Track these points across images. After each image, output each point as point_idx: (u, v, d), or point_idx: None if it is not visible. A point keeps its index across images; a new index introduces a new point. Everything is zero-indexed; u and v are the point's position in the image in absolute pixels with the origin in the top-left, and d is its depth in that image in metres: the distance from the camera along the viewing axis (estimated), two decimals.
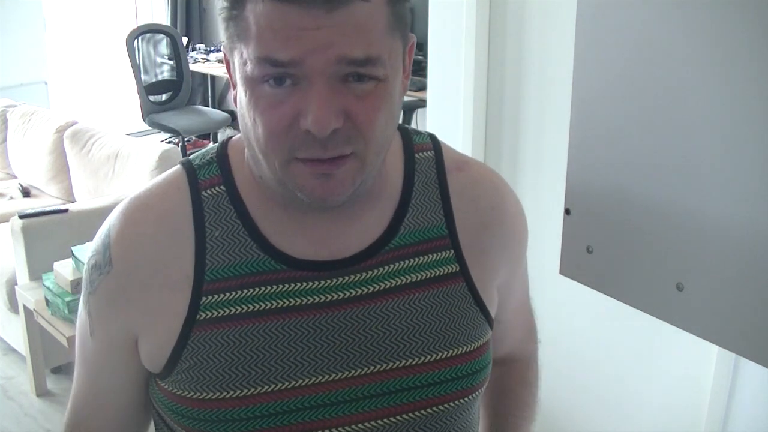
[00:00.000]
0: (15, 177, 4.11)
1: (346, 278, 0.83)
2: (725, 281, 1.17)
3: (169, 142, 5.34)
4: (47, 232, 2.90)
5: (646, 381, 2.20)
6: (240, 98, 0.76)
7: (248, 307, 0.81)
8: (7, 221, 3.05)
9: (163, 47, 5.51)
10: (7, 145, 4.11)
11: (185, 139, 5.39)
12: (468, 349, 0.87)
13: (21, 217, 2.89)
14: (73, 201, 3.63)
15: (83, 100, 6.06)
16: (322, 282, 0.82)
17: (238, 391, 0.80)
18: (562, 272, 1.47)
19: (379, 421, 0.83)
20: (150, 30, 5.50)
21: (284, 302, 0.81)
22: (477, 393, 0.90)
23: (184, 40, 5.75)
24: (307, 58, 0.69)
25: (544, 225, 2.41)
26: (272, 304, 0.81)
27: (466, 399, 0.87)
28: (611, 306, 1.50)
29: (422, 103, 3.63)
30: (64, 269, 2.58)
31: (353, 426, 0.83)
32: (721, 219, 1.15)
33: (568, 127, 1.38)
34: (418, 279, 0.85)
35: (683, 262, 1.23)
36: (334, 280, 0.83)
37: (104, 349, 0.87)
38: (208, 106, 6.16)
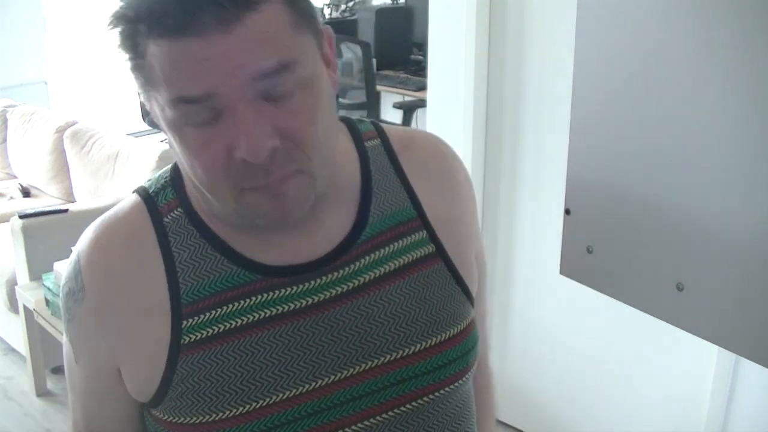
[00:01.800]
0: (15, 177, 4.10)
1: (324, 278, 0.81)
2: (725, 281, 1.17)
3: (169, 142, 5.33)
4: (47, 232, 2.89)
5: (647, 381, 2.20)
6: (171, 143, 0.75)
7: (231, 323, 0.79)
8: (7, 221, 3.05)
9: None
10: (7, 145, 4.11)
11: None
12: (455, 332, 0.86)
13: (21, 217, 2.89)
14: (73, 201, 3.63)
15: (83, 100, 6.06)
16: (300, 286, 0.80)
17: (236, 410, 0.78)
18: (562, 272, 1.47)
19: (379, 417, 0.83)
20: None
21: (266, 312, 0.79)
22: (470, 372, 0.89)
23: None
24: (219, 87, 0.67)
25: (544, 225, 2.41)
26: (254, 316, 0.79)
27: (460, 381, 0.87)
28: (611, 306, 1.50)
29: (422, 103, 3.63)
30: (64, 269, 2.57)
31: (356, 425, 0.82)
32: (722, 219, 1.15)
33: (568, 127, 1.38)
34: (397, 266, 0.84)
35: (683, 262, 1.23)
36: (312, 282, 0.81)
37: (91, 376, 0.85)
38: None
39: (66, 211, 2.96)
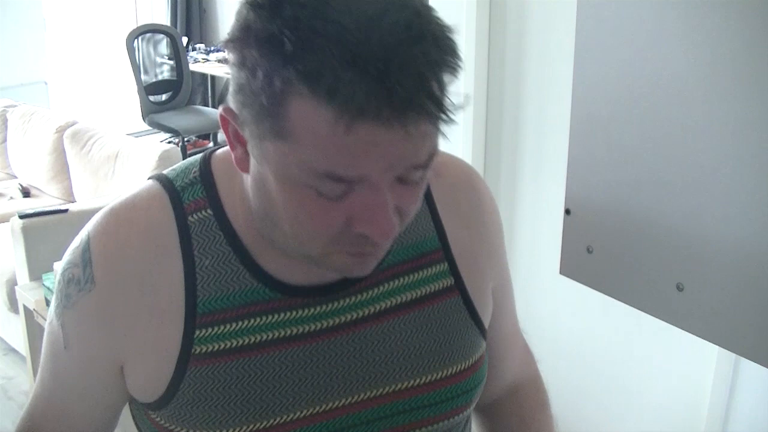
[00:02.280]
0: (15, 177, 4.11)
1: (342, 302, 0.80)
2: (725, 281, 1.17)
3: (169, 142, 5.34)
4: (47, 232, 2.90)
5: (646, 381, 2.20)
6: (265, 181, 0.68)
7: (245, 340, 0.77)
8: (7, 221, 3.05)
9: (163, 47, 5.50)
10: (7, 145, 4.11)
11: (185, 139, 5.39)
12: (464, 366, 0.85)
13: (21, 217, 2.89)
14: (73, 201, 3.63)
15: (83, 100, 6.06)
16: (318, 308, 0.79)
17: (239, 428, 0.77)
18: (562, 272, 1.47)
19: None
20: (150, 30, 5.50)
21: (281, 332, 0.78)
22: (472, 407, 0.88)
23: (184, 40, 5.75)
24: (375, 173, 0.63)
25: (544, 225, 2.41)
26: (269, 335, 0.77)
27: (462, 414, 0.87)
28: (611, 306, 1.50)
29: None
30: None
31: None
32: (722, 219, 1.15)
33: (568, 127, 1.38)
34: (414, 297, 0.82)
35: (683, 262, 1.23)
36: (330, 305, 0.79)
37: (80, 367, 0.81)
38: (208, 106, 6.15)
39: (66, 211, 2.96)
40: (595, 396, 2.34)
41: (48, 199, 3.83)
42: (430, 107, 0.60)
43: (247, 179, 0.73)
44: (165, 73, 5.53)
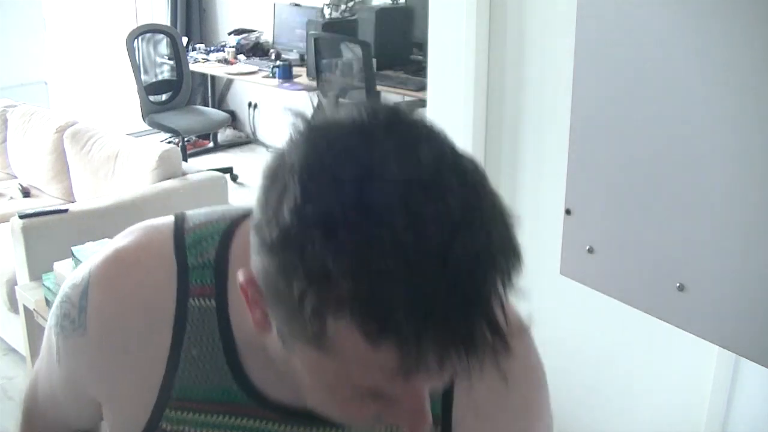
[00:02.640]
0: (15, 177, 4.10)
1: (313, 430, 0.76)
2: (725, 281, 1.17)
3: (169, 142, 5.34)
4: (47, 232, 2.89)
5: (647, 380, 2.20)
6: (289, 355, 0.64)
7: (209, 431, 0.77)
8: (7, 221, 3.05)
9: (163, 47, 5.51)
10: (7, 145, 4.10)
11: (185, 139, 5.39)
12: None
13: (21, 217, 2.89)
14: (73, 201, 3.63)
15: (83, 100, 6.06)
16: (288, 428, 0.76)
17: None
18: (562, 272, 1.47)
19: None
20: (150, 30, 5.50)
21: None
22: None
23: (184, 40, 5.75)
24: (418, 384, 0.60)
25: (544, 225, 2.41)
26: None
27: None
28: (611, 306, 1.50)
29: (422, 103, 3.63)
30: (64, 269, 2.57)
31: None
32: (722, 219, 1.15)
33: (568, 127, 1.38)
34: None
35: (683, 262, 1.23)
36: (301, 429, 0.76)
37: (67, 386, 0.85)
38: (208, 106, 6.16)
39: (66, 211, 2.96)
40: (595, 396, 2.34)
41: (48, 199, 3.83)
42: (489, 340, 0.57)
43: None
44: (165, 73, 5.53)
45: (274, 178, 0.59)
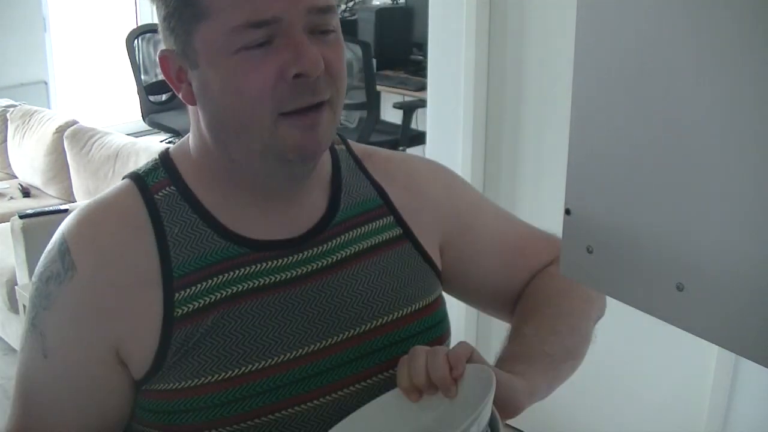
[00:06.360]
0: (15, 177, 4.10)
1: (304, 253, 0.88)
2: (725, 281, 1.17)
3: (169, 142, 5.34)
4: (47, 232, 2.87)
5: (647, 381, 2.20)
6: (206, 83, 0.80)
7: (221, 294, 0.83)
8: (7, 221, 3.05)
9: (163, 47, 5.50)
10: (7, 145, 4.11)
11: None
12: (426, 302, 0.94)
13: (21, 217, 2.89)
14: (73, 201, 3.63)
15: (83, 100, 6.06)
16: (284, 260, 0.87)
17: (224, 374, 0.81)
18: (562, 272, 1.47)
19: (363, 383, 0.88)
20: (150, 30, 5.49)
21: (253, 283, 0.84)
22: (447, 340, 0.97)
23: None
24: (284, 13, 0.76)
25: (544, 225, 2.41)
26: (243, 286, 0.84)
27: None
28: (611, 306, 1.50)
29: (422, 103, 3.63)
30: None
31: (342, 391, 0.87)
32: (722, 219, 1.15)
33: (568, 127, 1.38)
34: (368, 246, 0.92)
35: (683, 262, 1.23)
36: (294, 257, 0.87)
37: (69, 368, 0.83)
38: None
39: (66, 211, 2.96)
40: (595, 396, 2.34)
41: (48, 199, 3.83)
42: None
43: (200, 126, 0.84)
44: None
45: None
